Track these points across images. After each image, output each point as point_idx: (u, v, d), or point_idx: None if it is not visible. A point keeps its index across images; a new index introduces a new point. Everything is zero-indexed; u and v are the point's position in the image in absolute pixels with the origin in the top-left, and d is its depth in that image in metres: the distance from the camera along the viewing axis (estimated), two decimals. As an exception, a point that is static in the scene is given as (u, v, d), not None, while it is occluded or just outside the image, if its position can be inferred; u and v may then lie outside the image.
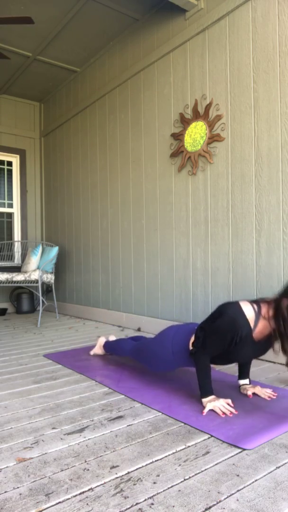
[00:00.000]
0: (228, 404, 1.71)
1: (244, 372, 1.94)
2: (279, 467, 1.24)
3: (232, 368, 2.37)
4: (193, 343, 1.82)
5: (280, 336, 1.57)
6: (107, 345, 2.55)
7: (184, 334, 1.91)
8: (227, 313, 1.66)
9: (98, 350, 2.65)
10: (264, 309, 1.67)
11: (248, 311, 1.66)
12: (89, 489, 1.13)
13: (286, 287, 1.63)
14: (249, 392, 1.86)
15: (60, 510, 1.04)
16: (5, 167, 5.22)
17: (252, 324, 1.65)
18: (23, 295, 4.93)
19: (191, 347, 1.84)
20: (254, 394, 1.88)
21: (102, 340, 2.65)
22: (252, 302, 1.72)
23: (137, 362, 2.49)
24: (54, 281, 4.82)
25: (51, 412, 1.72)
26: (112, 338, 2.70)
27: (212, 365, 1.82)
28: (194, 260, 3.06)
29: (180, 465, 1.26)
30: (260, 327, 1.66)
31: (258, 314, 1.66)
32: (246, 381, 1.94)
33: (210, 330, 1.70)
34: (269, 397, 1.84)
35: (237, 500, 1.07)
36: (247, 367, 1.94)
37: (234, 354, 1.71)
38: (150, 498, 1.09)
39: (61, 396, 1.92)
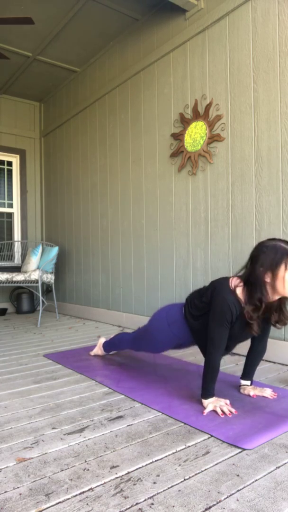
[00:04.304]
0: (227, 404, 1.71)
1: (248, 373, 1.93)
2: (279, 467, 1.24)
3: (232, 368, 2.37)
4: (189, 310, 1.86)
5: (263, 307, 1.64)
6: (106, 344, 2.54)
7: (177, 309, 1.95)
8: (219, 295, 1.69)
9: (98, 350, 2.65)
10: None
11: (238, 290, 1.70)
12: (89, 489, 1.14)
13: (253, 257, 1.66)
14: (252, 393, 1.86)
15: (60, 510, 1.04)
16: (5, 167, 5.22)
17: (241, 299, 1.68)
18: (23, 295, 4.93)
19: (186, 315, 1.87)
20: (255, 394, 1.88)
21: (101, 341, 2.64)
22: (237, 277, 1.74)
23: (136, 362, 2.49)
24: (54, 281, 4.82)
25: (51, 412, 1.72)
26: None
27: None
28: (194, 260, 3.06)
29: (180, 465, 1.26)
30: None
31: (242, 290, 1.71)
32: (248, 382, 1.94)
33: (210, 322, 1.71)
34: (270, 395, 1.84)
35: (237, 500, 1.07)
36: (253, 368, 1.93)
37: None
38: (150, 498, 1.09)
39: (61, 396, 1.92)
